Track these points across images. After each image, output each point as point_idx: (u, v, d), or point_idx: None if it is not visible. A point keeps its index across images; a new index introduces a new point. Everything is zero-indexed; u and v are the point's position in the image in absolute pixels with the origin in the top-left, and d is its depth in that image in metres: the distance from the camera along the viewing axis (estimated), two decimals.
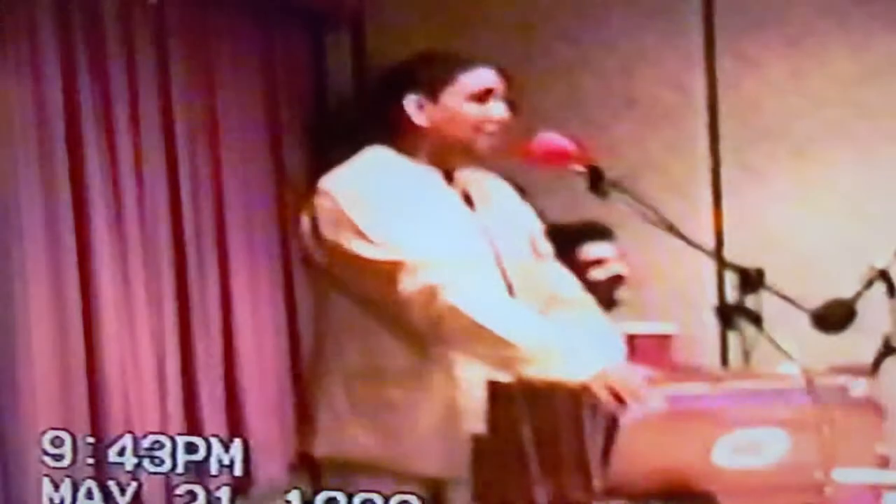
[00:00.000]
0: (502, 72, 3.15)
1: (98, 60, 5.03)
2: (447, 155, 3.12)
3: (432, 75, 3.08)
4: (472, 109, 3.08)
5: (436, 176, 3.12)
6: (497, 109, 3.10)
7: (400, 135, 3.11)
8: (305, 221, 3.08)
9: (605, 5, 6.25)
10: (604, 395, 2.75)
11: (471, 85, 3.09)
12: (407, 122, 3.09)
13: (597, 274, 4.24)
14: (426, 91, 3.08)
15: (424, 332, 2.96)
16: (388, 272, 2.92)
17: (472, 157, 3.13)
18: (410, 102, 3.07)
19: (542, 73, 6.09)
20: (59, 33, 4.85)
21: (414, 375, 3.03)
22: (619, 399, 2.74)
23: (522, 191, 3.37)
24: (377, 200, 2.99)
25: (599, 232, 4.28)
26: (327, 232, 3.02)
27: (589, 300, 3.32)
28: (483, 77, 3.11)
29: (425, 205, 3.05)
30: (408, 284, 2.90)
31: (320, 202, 3.04)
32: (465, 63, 3.12)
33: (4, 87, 4.58)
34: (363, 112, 3.28)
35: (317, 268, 3.11)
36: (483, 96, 3.09)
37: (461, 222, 3.11)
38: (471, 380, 2.99)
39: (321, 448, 3.11)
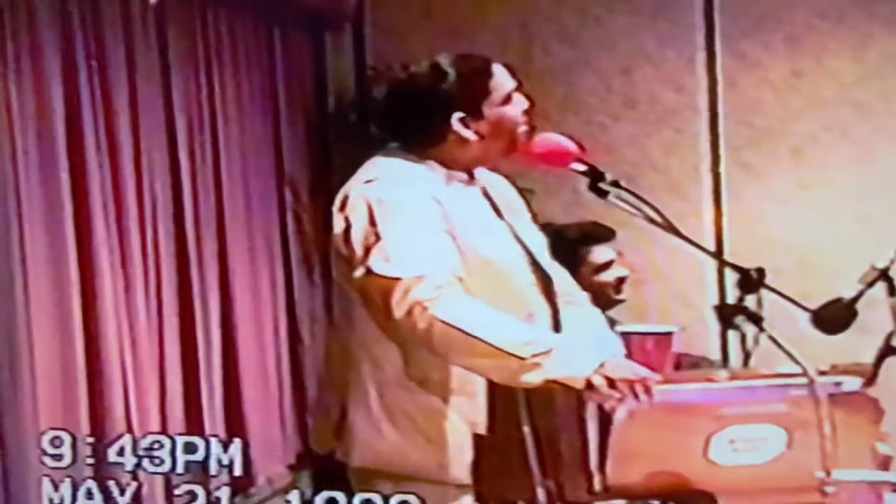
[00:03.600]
0: (511, 70, 3.17)
1: (98, 60, 5.03)
2: (490, 157, 3.15)
3: (471, 94, 3.10)
4: (508, 111, 3.12)
5: (462, 178, 3.13)
6: (522, 103, 3.14)
7: (435, 145, 3.11)
8: (338, 225, 3.07)
9: (605, 5, 6.26)
10: (603, 388, 2.75)
11: (500, 91, 3.12)
12: (449, 137, 3.10)
13: (604, 276, 4.27)
14: (468, 108, 3.09)
15: (424, 348, 2.96)
16: (385, 289, 2.92)
17: (513, 154, 3.16)
18: (458, 123, 3.09)
19: (542, 73, 6.09)
20: (59, 33, 4.84)
21: (458, 382, 3.02)
22: (618, 391, 2.74)
23: (524, 191, 3.37)
24: (412, 213, 2.99)
25: (604, 234, 4.29)
26: (356, 239, 3.01)
27: (587, 298, 3.33)
28: (504, 79, 3.14)
29: (464, 214, 3.06)
30: (398, 303, 2.90)
31: (357, 207, 3.03)
32: (487, 69, 3.14)
33: (4, 87, 4.58)
34: (396, 120, 3.23)
35: (343, 273, 3.11)
36: (510, 97, 3.13)
37: (496, 226, 3.13)
38: None
39: (359, 459, 3.08)
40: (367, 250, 2.97)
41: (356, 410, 3.08)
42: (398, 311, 2.90)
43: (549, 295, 3.14)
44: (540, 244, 3.24)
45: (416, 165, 3.10)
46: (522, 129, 3.13)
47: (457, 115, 3.08)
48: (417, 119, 3.13)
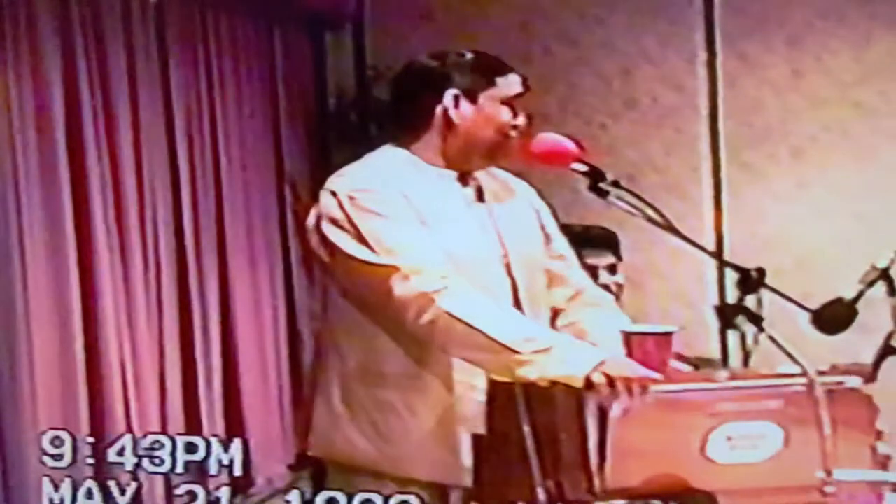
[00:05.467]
0: (524, 80, 3.16)
1: (98, 60, 5.03)
2: (470, 155, 3.13)
3: (474, 77, 3.10)
4: (504, 113, 3.10)
5: (449, 175, 3.13)
6: (521, 117, 3.12)
7: (423, 132, 3.11)
8: (311, 219, 3.08)
9: (605, 5, 6.26)
10: (601, 386, 2.75)
11: (505, 89, 3.11)
12: (436, 119, 3.09)
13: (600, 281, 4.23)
14: (465, 90, 3.09)
15: (421, 339, 2.97)
16: (383, 278, 2.93)
17: (493, 159, 3.16)
18: (450, 96, 3.08)
19: (542, 73, 6.09)
20: (59, 32, 4.84)
21: (411, 379, 3.03)
22: (616, 389, 2.74)
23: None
24: (383, 204, 2.99)
25: (602, 238, 4.23)
26: (330, 232, 3.02)
27: (606, 297, 3.32)
28: (515, 83, 3.14)
29: (434, 206, 3.05)
30: (401, 291, 2.91)
31: (326, 201, 3.05)
32: (503, 68, 3.14)
33: (4, 86, 4.58)
34: (391, 107, 3.24)
35: (320, 266, 3.12)
36: (512, 101, 3.12)
37: (470, 222, 3.11)
38: (469, 384, 3.00)
39: (316, 448, 3.12)
40: (345, 241, 2.98)
41: (320, 401, 3.10)
42: (400, 301, 2.91)
43: (517, 301, 3.12)
44: (534, 252, 3.20)
45: (398, 158, 3.10)
46: (509, 140, 3.10)
47: (451, 92, 3.07)
48: (415, 92, 3.13)
